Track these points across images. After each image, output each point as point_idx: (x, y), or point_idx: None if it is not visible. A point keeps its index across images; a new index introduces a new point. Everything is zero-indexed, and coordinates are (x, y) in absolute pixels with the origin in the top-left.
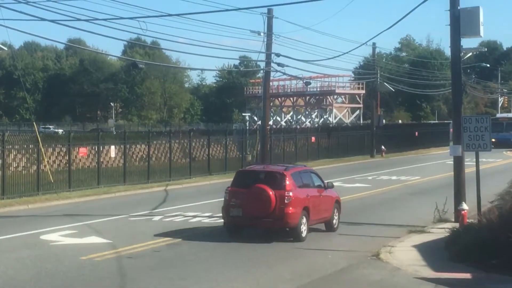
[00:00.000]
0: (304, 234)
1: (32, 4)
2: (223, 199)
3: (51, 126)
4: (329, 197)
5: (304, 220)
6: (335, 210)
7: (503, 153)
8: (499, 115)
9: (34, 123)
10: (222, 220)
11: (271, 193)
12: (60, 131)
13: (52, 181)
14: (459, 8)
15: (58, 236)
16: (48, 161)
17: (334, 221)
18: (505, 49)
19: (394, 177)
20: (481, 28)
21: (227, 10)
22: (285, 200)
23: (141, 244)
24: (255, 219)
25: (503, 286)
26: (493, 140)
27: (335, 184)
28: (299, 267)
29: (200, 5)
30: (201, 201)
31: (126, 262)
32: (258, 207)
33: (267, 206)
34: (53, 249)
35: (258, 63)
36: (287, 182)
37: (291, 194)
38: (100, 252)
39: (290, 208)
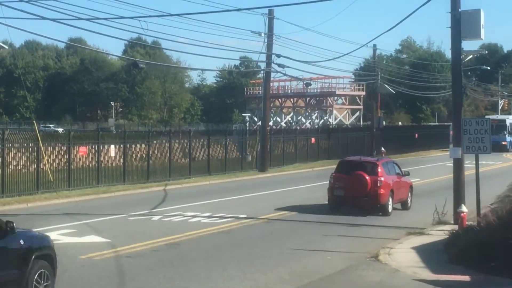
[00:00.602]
0: (390, 210)
1: (33, 3)
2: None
3: (51, 125)
4: (406, 182)
5: (390, 199)
6: (409, 193)
7: (502, 155)
8: (487, 117)
9: (34, 121)
10: (226, 220)
11: (367, 178)
12: (60, 130)
13: (52, 180)
14: (460, 10)
15: (57, 235)
16: (47, 160)
17: (409, 201)
18: (505, 51)
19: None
20: (482, 30)
21: (228, 10)
22: (378, 184)
23: (140, 243)
24: (354, 198)
25: None
26: None
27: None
28: (298, 268)
29: (201, 5)
30: (200, 201)
31: (125, 261)
32: (357, 189)
33: (365, 188)
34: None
35: (259, 63)
36: (379, 170)
37: (382, 179)
38: (99, 251)
39: (382, 190)
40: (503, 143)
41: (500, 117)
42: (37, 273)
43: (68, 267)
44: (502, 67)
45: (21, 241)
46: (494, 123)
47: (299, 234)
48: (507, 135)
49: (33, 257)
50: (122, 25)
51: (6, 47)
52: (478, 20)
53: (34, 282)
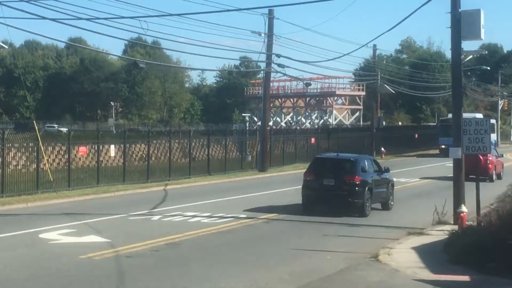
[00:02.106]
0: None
1: (33, 3)
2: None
3: (55, 125)
4: (386, 179)
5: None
6: (390, 191)
7: (503, 156)
8: (451, 115)
9: (34, 121)
10: (226, 219)
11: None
12: (64, 129)
13: (52, 179)
14: (460, 10)
15: (57, 235)
16: (47, 160)
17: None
18: (505, 52)
19: (393, 179)
20: (482, 31)
21: (228, 10)
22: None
23: (140, 243)
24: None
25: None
26: (443, 147)
27: None
28: (298, 268)
29: (201, 5)
30: (200, 201)
31: (125, 261)
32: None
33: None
34: (51, 248)
35: (259, 63)
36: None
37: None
38: (99, 251)
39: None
40: None
41: (477, 116)
42: (391, 191)
43: (68, 267)
44: (502, 67)
45: (388, 176)
46: None
47: (298, 234)
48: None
49: (390, 184)
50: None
51: (6, 46)
52: (478, 20)
53: (391, 195)
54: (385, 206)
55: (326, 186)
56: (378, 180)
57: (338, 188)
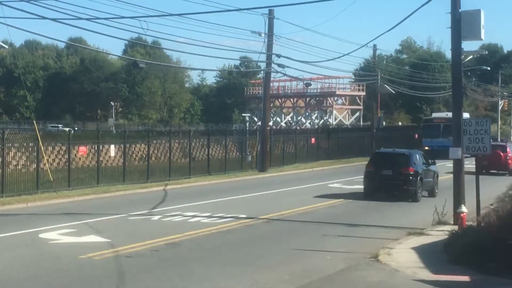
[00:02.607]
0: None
1: (33, 3)
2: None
3: (59, 125)
4: (433, 170)
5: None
6: (436, 181)
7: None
8: (435, 114)
9: (34, 121)
10: (226, 219)
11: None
12: (67, 129)
13: (52, 179)
14: (460, 11)
15: (56, 235)
16: (47, 160)
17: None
18: (505, 52)
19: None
20: (482, 31)
21: (228, 10)
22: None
23: (140, 243)
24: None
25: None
26: (426, 148)
27: (334, 185)
28: (298, 268)
29: (201, 5)
30: (200, 201)
31: (124, 261)
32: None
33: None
34: (51, 248)
35: (259, 63)
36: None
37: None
38: (98, 251)
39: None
40: None
41: (447, 115)
42: (436, 181)
43: (67, 267)
44: (502, 68)
45: (434, 167)
46: (443, 123)
47: (298, 234)
48: None
49: (435, 174)
50: (122, 25)
51: (6, 46)
52: (478, 20)
53: (435, 185)
54: (432, 193)
55: (384, 176)
56: (427, 171)
57: (395, 178)
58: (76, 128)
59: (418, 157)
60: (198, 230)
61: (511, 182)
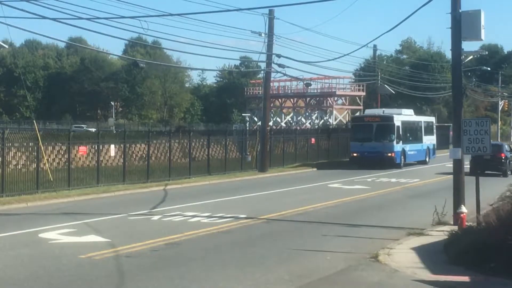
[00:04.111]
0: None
1: (33, 2)
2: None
3: (84, 125)
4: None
5: (508, 165)
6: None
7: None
8: (368, 111)
9: (34, 121)
10: (225, 219)
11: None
12: (93, 129)
13: (51, 179)
14: (460, 11)
15: (56, 235)
16: (47, 159)
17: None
18: (506, 52)
19: (393, 180)
20: (482, 31)
21: (228, 10)
22: None
23: (140, 243)
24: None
25: None
26: (354, 155)
27: (334, 185)
28: (298, 268)
29: (202, 5)
30: (200, 201)
31: (124, 261)
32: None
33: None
34: (51, 248)
35: (259, 63)
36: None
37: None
38: (98, 250)
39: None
40: (389, 154)
41: (383, 113)
42: None
43: (67, 266)
44: (502, 68)
45: None
46: (375, 123)
47: (298, 234)
48: (395, 142)
49: None
50: (123, 25)
51: (6, 46)
52: (479, 21)
53: None
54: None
55: (485, 159)
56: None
57: (493, 160)
58: (97, 129)
59: (506, 147)
60: (198, 230)
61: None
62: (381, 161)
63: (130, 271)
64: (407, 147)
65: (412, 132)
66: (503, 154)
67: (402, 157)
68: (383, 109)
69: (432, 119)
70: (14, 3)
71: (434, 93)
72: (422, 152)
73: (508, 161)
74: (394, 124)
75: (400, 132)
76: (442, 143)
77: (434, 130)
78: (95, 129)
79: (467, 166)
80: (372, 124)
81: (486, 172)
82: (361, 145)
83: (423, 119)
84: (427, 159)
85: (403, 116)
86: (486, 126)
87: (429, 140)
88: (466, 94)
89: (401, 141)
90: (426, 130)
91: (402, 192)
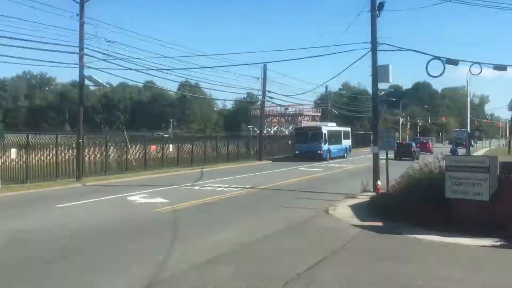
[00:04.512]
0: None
1: (126, 60)
2: (235, 177)
3: (161, 132)
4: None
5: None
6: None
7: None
8: (306, 123)
9: (125, 130)
10: (237, 189)
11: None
12: (166, 135)
13: (134, 164)
14: (377, 65)
15: (138, 197)
16: (132, 153)
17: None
18: (404, 90)
19: (337, 165)
20: (390, 77)
21: (239, 65)
22: None
23: (187, 202)
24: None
25: (400, 229)
26: (297, 152)
27: (303, 168)
28: (280, 217)
29: (222, 61)
30: (222, 178)
31: (178, 213)
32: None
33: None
34: (135, 205)
35: (258, 96)
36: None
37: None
38: (163, 207)
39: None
40: (319, 151)
41: (316, 125)
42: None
43: (144, 217)
44: (401, 99)
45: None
46: (310, 131)
47: (281, 198)
48: (323, 144)
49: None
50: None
51: (108, 86)
52: (388, 71)
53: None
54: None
55: (402, 151)
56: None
57: (407, 152)
58: (170, 134)
59: (413, 144)
60: (221, 195)
61: (413, 164)
62: (314, 156)
63: (181, 217)
64: (332, 147)
65: (334, 137)
66: (412, 148)
67: (328, 153)
68: (316, 122)
69: (348, 129)
70: (113, 60)
71: (362, 114)
72: (342, 150)
73: (414, 152)
74: (322, 132)
75: (327, 137)
76: (367, 144)
77: (350, 136)
78: (167, 135)
79: (390, 155)
80: (308, 132)
81: (403, 158)
82: (301, 146)
83: (342, 129)
84: (345, 155)
85: (328, 127)
86: (391, 133)
87: (347, 142)
88: (380, 115)
89: (327, 143)
90: (344, 136)
91: (342, 173)
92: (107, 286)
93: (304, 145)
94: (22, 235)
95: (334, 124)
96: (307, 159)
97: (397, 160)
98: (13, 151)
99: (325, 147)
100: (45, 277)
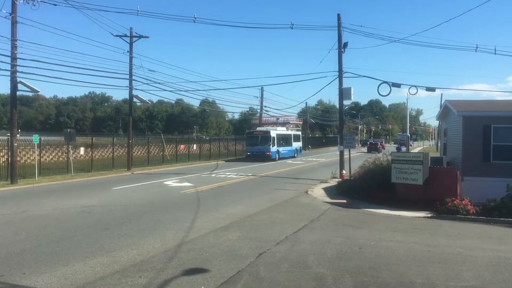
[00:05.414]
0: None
1: (162, 83)
2: (242, 167)
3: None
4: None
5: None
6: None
7: (361, 149)
8: (259, 128)
9: (162, 134)
10: (242, 176)
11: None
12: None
13: (169, 158)
14: (342, 87)
15: (171, 182)
16: (167, 150)
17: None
18: (361, 105)
19: (314, 159)
20: (352, 96)
21: (243, 87)
22: None
23: (206, 186)
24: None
25: (359, 205)
26: (248, 153)
27: (289, 161)
28: (273, 196)
29: (231, 84)
30: (232, 168)
31: (200, 193)
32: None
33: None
34: (169, 188)
35: (257, 110)
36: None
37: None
38: (188, 189)
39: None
40: (268, 153)
41: (266, 129)
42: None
43: (175, 196)
44: (360, 111)
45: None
46: (260, 135)
47: (274, 183)
48: (271, 146)
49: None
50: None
51: (149, 102)
52: (350, 92)
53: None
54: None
55: (371, 146)
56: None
57: (375, 147)
58: (207, 137)
59: (378, 142)
60: (231, 180)
61: (368, 157)
62: (263, 157)
63: (202, 197)
64: (281, 148)
65: (284, 140)
66: (378, 145)
67: (276, 154)
68: (267, 127)
69: (298, 133)
70: (154, 84)
71: (332, 123)
72: (292, 151)
73: (379, 147)
74: (270, 136)
75: (275, 140)
76: (335, 144)
77: (301, 139)
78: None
79: (358, 151)
80: (258, 135)
81: (372, 152)
82: (252, 148)
83: (293, 132)
84: (295, 155)
85: (278, 131)
86: (353, 136)
87: (297, 144)
88: (345, 122)
89: (275, 145)
90: (295, 139)
91: (317, 164)
92: (147, 245)
93: (254, 147)
94: (88, 209)
95: (285, 128)
96: (256, 160)
97: (369, 153)
98: (82, 149)
99: (273, 148)
100: (105, 238)
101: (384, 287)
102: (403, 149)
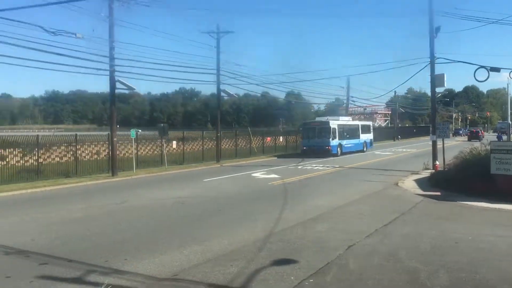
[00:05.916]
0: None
1: (248, 77)
2: (324, 159)
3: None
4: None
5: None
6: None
7: (455, 138)
8: (318, 119)
9: (248, 127)
10: (327, 168)
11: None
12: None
13: (255, 151)
14: (434, 74)
15: (258, 174)
16: (254, 142)
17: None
18: (456, 92)
19: (404, 150)
20: (445, 83)
21: (329, 78)
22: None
23: (294, 177)
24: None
25: (454, 197)
26: (304, 148)
27: (377, 152)
28: (360, 188)
29: (317, 74)
30: (316, 159)
31: (287, 185)
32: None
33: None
34: (257, 179)
35: (343, 100)
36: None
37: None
38: (276, 181)
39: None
40: (327, 147)
41: (324, 119)
42: None
43: (263, 188)
44: (454, 99)
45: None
46: (317, 126)
47: (362, 174)
48: (331, 139)
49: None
50: (285, 85)
51: (236, 95)
52: (443, 78)
53: None
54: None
55: (473, 135)
56: None
57: (476, 136)
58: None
59: (480, 131)
60: (317, 172)
61: (464, 148)
62: (322, 151)
63: (289, 188)
64: (344, 142)
65: (349, 132)
66: (479, 133)
67: (338, 148)
68: (327, 117)
69: (368, 123)
70: (241, 78)
71: (424, 110)
72: (359, 145)
73: (481, 135)
74: (330, 127)
75: (336, 132)
76: (427, 133)
77: (371, 130)
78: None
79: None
80: (315, 127)
81: (473, 140)
82: (308, 141)
83: (360, 123)
84: (364, 149)
85: (340, 121)
86: (447, 125)
87: (366, 136)
88: (437, 111)
89: (336, 138)
90: (363, 130)
91: (408, 155)
92: (238, 236)
93: (311, 140)
94: (181, 200)
95: (349, 118)
96: (314, 154)
97: (470, 141)
98: (174, 142)
99: (334, 142)
100: (198, 228)
101: (484, 284)
102: (504, 137)
